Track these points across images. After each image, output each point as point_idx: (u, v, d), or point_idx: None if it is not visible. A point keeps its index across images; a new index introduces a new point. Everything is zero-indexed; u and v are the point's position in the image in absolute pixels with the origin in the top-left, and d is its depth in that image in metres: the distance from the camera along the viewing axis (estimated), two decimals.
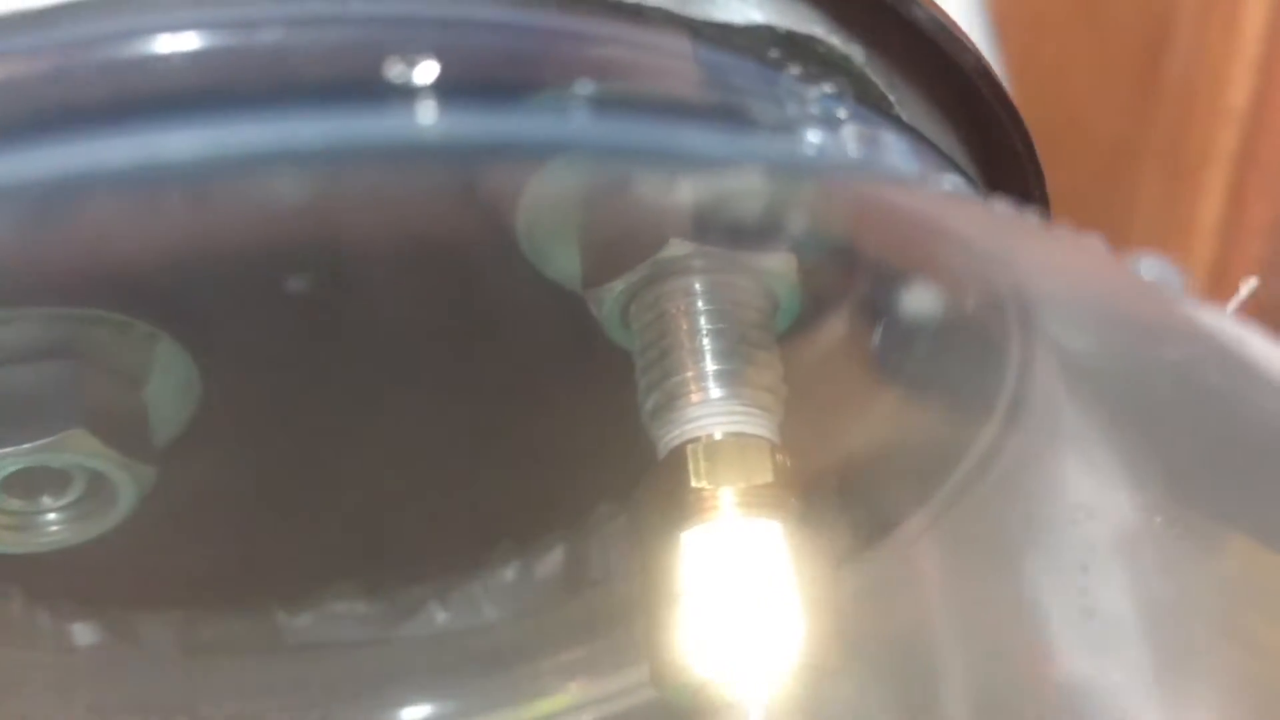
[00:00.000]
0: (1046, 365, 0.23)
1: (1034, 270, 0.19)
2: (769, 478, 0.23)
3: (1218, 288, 0.84)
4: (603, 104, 0.15)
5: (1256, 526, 0.21)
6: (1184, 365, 0.17)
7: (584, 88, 0.15)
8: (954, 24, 0.20)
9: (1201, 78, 0.81)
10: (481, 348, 0.29)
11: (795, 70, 0.18)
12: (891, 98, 0.20)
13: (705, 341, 0.24)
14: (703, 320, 0.24)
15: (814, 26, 0.19)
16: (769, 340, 0.25)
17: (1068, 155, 0.88)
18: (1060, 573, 0.25)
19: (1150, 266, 0.15)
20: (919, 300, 0.23)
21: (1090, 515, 0.24)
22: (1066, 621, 0.26)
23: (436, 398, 0.30)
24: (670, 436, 0.24)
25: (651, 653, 0.23)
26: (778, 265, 0.25)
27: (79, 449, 0.25)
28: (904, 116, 0.20)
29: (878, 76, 0.20)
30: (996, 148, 0.22)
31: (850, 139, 0.16)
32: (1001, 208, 0.15)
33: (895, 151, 0.17)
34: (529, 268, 0.26)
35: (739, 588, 0.22)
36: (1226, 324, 0.15)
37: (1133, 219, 0.87)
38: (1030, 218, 0.15)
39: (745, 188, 0.16)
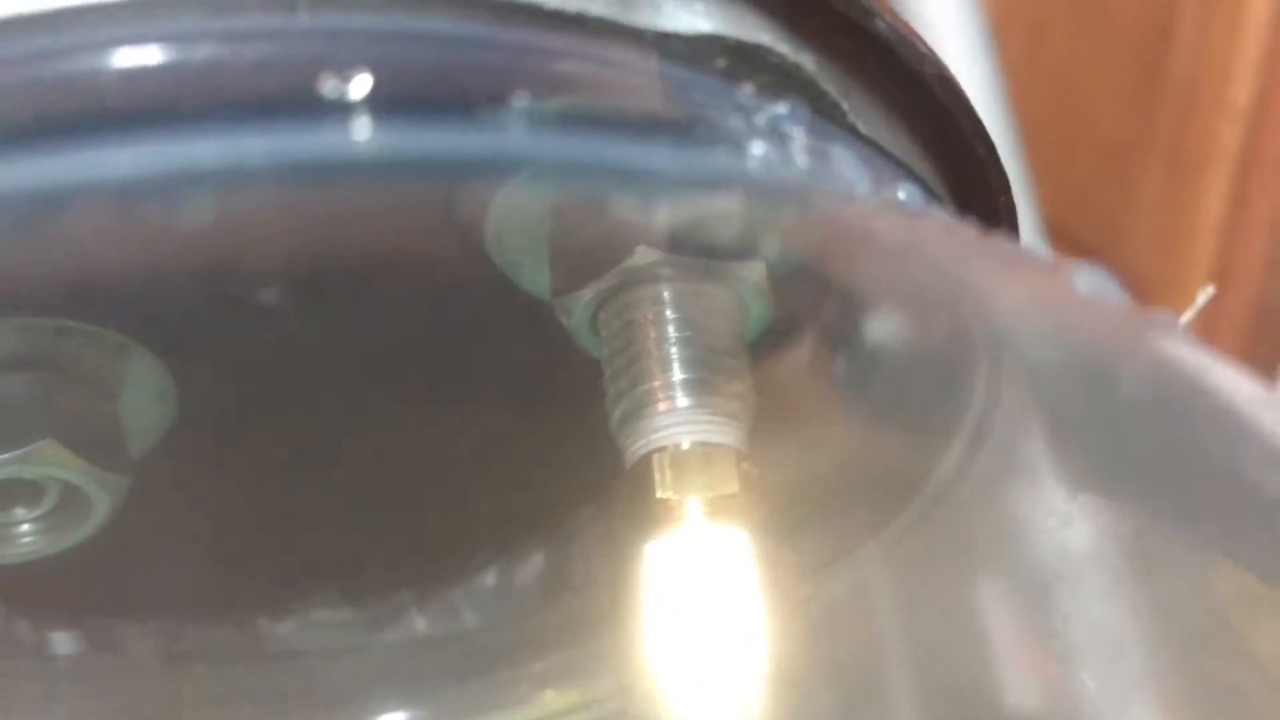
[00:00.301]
0: (1014, 379, 0.23)
1: (981, 280, 0.18)
2: (735, 487, 0.23)
3: (1221, 285, 0.83)
4: (542, 118, 0.15)
5: (1222, 539, 0.21)
6: (1138, 379, 0.17)
7: (521, 101, 0.15)
8: (911, 30, 0.20)
9: (1204, 76, 0.80)
10: (458, 355, 0.29)
11: (743, 80, 0.18)
12: (845, 105, 0.20)
13: (673, 350, 0.24)
14: (671, 329, 0.24)
15: (762, 35, 0.19)
16: (738, 348, 0.25)
17: (1071, 153, 0.88)
18: (1030, 585, 0.25)
19: (1087, 279, 0.15)
20: (882, 326, 0.23)
21: (1064, 524, 0.24)
22: (1035, 633, 0.25)
23: (414, 405, 0.30)
24: (637, 446, 0.24)
25: (621, 662, 0.23)
26: (747, 273, 0.24)
27: (51, 460, 0.25)
28: (859, 125, 0.20)
29: (830, 85, 0.20)
30: (959, 154, 0.22)
31: (799, 151, 0.16)
32: (940, 215, 0.15)
33: (845, 163, 0.17)
34: (501, 276, 0.26)
35: (705, 598, 0.22)
36: (1167, 338, 0.15)
37: (1135, 217, 0.87)
38: (968, 227, 0.15)
39: (691, 205, 0.15)
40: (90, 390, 0.26)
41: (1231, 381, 0.16)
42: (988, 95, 0.56)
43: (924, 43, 0.20)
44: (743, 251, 0.22)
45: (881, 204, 0.16)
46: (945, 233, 0.16)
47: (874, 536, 0.27)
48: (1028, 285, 0.17)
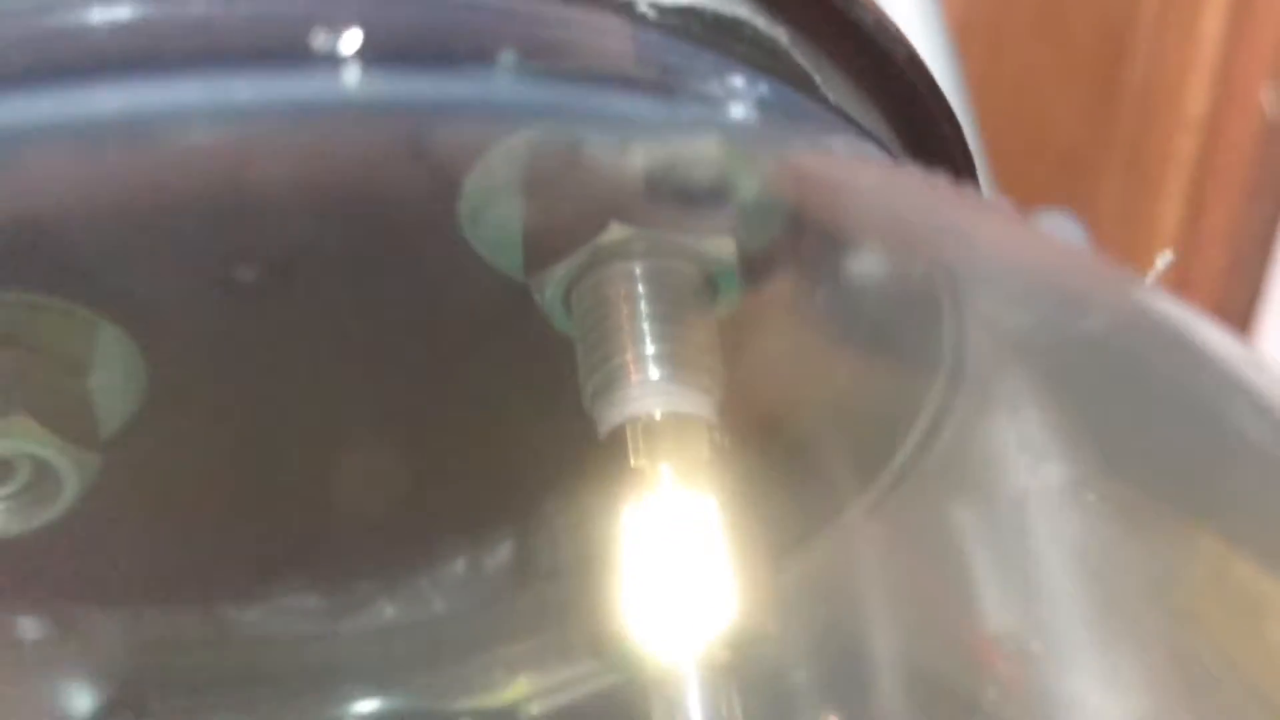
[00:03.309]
0: (979, 337, 0.23)
1: (948, 233, 0.19)
2: (706, 457, 0.24)
3: (1179, 293, 0.84)
4: (525, 73, 0.15)
5: (1187, 498, 0.22)
6: (1104, 333, 0.18)
7: (507, 58, 0.15)
8: (883, 14, 0.20)
9: (1160, 86, 0.82)
10: (429, 340, 0.29)
11: (720, 50, 0.18)
12: (817, 79, 0.20)
13: (645, 325, 0.24)
14: (643, 304, 0.25)
15: (739, 9, 0.19)
16: (708, 324, 0.25)
17: (1029, 163, 0.89)
18: (999, 542, 0.26)
19: (1052, 220, 0.15)
20: (860, 261, 0.23)
21: (1027, 486, 0.24)
22: (1003, 589, 0.26)
23: (384, 391, 0.30)
24: (611, 416, 0.24)
25: (595, 624, 0.23)
26: (717, 250, 0.25)
27: (22, 435, 0.25)
28: (830, 97, 0.20)
29: (803, 59, 0.20)
30: (926, 136, 0.23)
31: (772, 116, 0.17)
32: (910, 169, 0.15)
33: (816, 129, 0.17)
34: (476, 258, 0.26)
35: (676, 561, 0.23)
36: (1133, 284, 0.15)
37: (1094, 225, 0.88)
38: (939, 179, 0.16)
39: (669, 148, 0.16)
40: (61, 367, 0.26)
41: (1215, 336, 0.16)
42: (954, 103, 0.56)
43: (895, 25, 0.21)
44: (714, 215, 0.23)
45: (856, 155, 0.16)
46: (917, 181, 0.16)
47: (857, 497, 0.28)
48: (998, 233, 0.17)
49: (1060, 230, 0.15)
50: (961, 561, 0.27)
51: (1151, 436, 0.21)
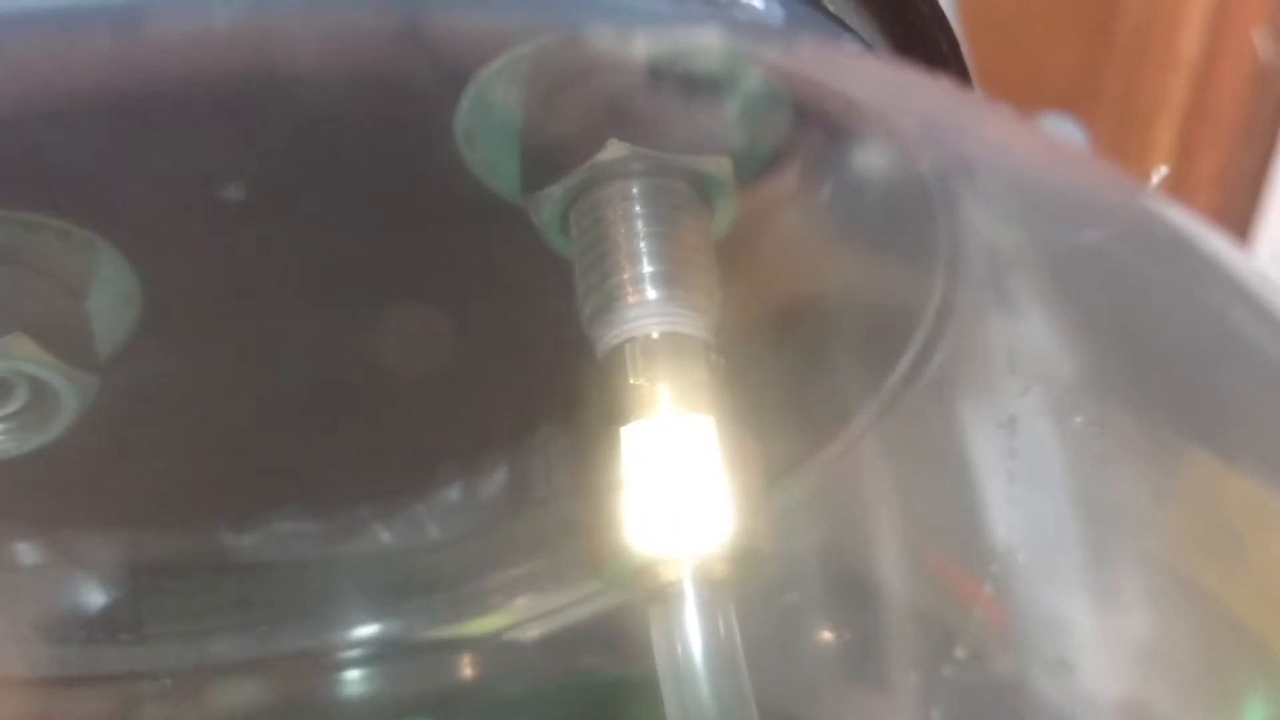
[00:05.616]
0: (978, 239, 0.23)
1: (952, 130, 0.19)
2: (703, 376, 0.24)
3: None
4: None
5: (1176, 417, 0.22)
6: (1102, 248, 0.18)
7: None
8: None
9: (1154, 29, 0.81)
10: (424, 265, 0.29)
11: None
12: None
13: (642, 244, 0.24)
14: (640, 224, 0.25)
15: None
16: (705, 244, 0.25)
17: (1022, 104, 0.89)
18: (997, 459, 0.26)
19: (1055, 124, 0.15)
20: (863, 158, 0.23)
21: (1019, 412, 0.25)
22: (999, 510, 0.26)
23: (380, 317, 0.30)
24: (609, 337, 0.24)
25: (592, 540, 0.24)
26: (714, 169, 0.25)
27: (20, 354, 0.25)
28: (830, 7, 0.20)
29: None
30: (925, 54, 0.23)
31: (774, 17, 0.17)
32: (913, 69, 0.15)
33: (818, 33, 0.17)
34: (471, 186, 0.26)
35: (675, 479, 0.23)
36: (1159, 200, 0.15)
37: None
38: (941, 80, 0.16)
39: (673, 37, 0.16)
40: (59, 288, 0.26)
41: (1223, 246, 0.16)
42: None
43: None
44: (720, 89, 0.22)
45: (863, 50, 0.16)
46: (921, 77, 0.16)
47: (861, 408, 0.28)
48: (999, 133, 0.17)
49: (1062, 133, 0.15)
50: (958, 481, 0.27)
51: (1152, 346, 0.21)
